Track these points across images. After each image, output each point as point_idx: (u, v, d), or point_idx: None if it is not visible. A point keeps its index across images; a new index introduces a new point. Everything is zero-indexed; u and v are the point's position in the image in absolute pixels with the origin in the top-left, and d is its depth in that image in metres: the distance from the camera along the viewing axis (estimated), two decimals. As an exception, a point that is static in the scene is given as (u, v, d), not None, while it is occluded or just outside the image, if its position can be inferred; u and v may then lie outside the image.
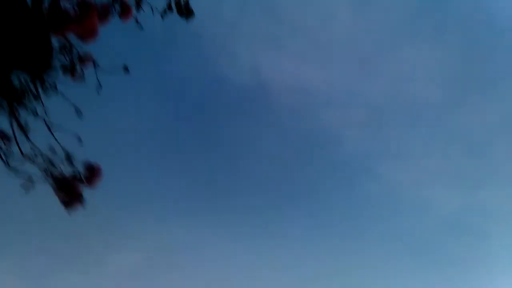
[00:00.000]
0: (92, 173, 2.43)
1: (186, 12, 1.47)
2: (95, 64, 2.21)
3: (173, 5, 1.50)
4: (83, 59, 2.15)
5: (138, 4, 1.68)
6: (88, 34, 1.62)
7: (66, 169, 2.47)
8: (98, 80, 2.21)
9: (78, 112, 2.20)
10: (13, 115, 1.96)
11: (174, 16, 1.52)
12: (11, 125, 2.09)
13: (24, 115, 2.12)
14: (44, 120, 2.15)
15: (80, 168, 2.47)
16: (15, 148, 2.24)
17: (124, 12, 1.75)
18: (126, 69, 2.08)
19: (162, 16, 1.54)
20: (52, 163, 2.35)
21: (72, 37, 1.87)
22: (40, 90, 2.15)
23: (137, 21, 1.77)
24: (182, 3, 1.48)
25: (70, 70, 2.11)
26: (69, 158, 2.40)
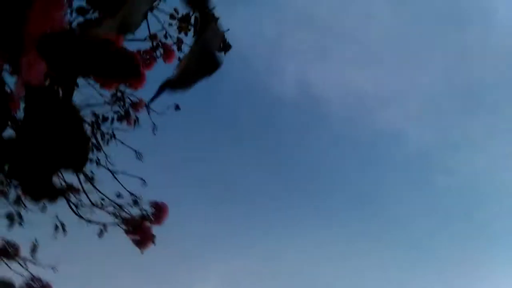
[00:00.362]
0: (159, 211, 2.50)
1: (223, 47, 1.50)
2: (147, 107, 2.30)
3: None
4: (136, 104, 2.24)
5: (179, 46, 1.74)
6: (136, 82, 1.68)
7: (134, 211, 2.56)
8: (153, 122, 2.30)
9: (139, 155, 2.28)
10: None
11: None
12: (78, 178, 2.21)
13: (88, 167, 2.23)
14: (108, 168, 2.25)
15: (147, 208, 2.56)
16: (84, 199, 2.36)
17: (167, 54, 1.82)
18: (177, 107, 2.16)
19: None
20: (120, 207, 2.45)
21: (122, 86, 1.96)
22: (100, 141, 2.27)
23: (179, 59, 1.83)
24: (219, 41, 1.51)
25: (125, 117, 2.21)
26: (135, 200, 2.49)
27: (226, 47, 1.45)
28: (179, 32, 1.66)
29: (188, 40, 1.64)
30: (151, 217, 2.54)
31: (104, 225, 2.38)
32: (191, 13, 1.53)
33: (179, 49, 1.70)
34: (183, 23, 1.56)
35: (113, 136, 2.29)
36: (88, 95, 2.01)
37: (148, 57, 1.84)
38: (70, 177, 2.17)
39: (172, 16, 1.73)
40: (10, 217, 2.05)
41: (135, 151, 2.27)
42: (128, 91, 2.06)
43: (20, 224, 2.26)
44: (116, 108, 2.24)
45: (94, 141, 2.23)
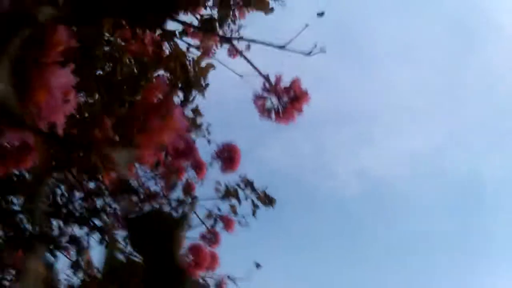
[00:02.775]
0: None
1: (268, 202, 1.55)
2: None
3: (256, 204, 1.60)
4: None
5: (234, 211, 1.80)
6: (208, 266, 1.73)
7: None
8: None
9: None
10: None
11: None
12: None
13: None
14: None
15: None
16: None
17: (228, 225, 1.87)
18: (258, 265, 2.15)
19: (254, 214, 1.64)
20: None
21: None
22: None
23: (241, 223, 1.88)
24: (263, 199, 1.56)
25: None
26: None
27: (271, 200, 1.50)
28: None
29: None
30: None
31: None
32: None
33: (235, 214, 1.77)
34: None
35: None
36: None
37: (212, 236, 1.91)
38: None
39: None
40: None
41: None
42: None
43: None
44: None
45: None
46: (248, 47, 1.45)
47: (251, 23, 1.04)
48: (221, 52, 1.18)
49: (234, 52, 1.49)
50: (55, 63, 0.40)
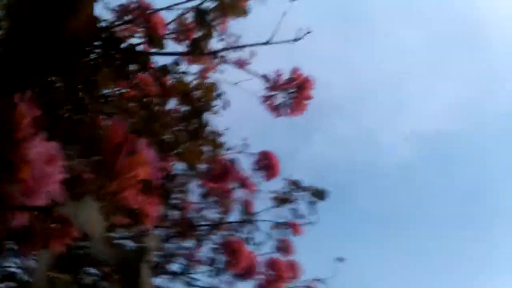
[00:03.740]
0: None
1: (321, 195, 1.52)
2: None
3: (312, 201, 1.59)
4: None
5: (296, 215, 1.79)
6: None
7: None
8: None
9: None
10: None
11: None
12: None
13: None
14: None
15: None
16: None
17: (295, 230, 1.86)
18: (341, 259, 2.10)
19: (313, 211, 1.62)
20: None
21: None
22: None
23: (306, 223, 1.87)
24: (315, 194, 1.54)
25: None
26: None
27: (322, 194, 1.48)
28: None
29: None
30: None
31: None
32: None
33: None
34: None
35: None
36: None
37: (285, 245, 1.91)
38: None
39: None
40: None
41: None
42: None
43: None
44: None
45: None
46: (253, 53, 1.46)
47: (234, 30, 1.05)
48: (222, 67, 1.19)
49: (241, 63, 1.50)
50: (28, 136, 0.42)
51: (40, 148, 0.44)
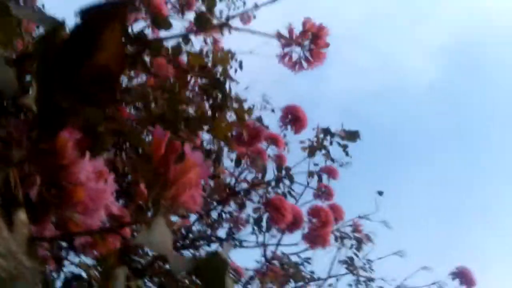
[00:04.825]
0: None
1: (352, 136, 1.51)
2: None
3: (343, 144, 1.58)
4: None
5: (330, 159, 1.80)
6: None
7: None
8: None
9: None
10: None
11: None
12: None
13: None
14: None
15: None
16: None
17: (332, 174, 1.88)
18: (380, 193, 2.12)
19: (347, 154, 1.63)
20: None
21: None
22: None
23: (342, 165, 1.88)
24: (346, 136, 1.54)
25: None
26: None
27: (354, 134, 1.46)
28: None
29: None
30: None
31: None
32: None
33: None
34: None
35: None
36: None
37: (324, 191, 1.93)
38: None
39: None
40: None
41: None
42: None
43: None
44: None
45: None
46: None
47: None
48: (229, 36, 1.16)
49: (246, 19, 1.46)
50: (74, 159, 0.43)
51: (88, 168, 0.44)
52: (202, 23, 0.90)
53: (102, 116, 0.40)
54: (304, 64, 0.95)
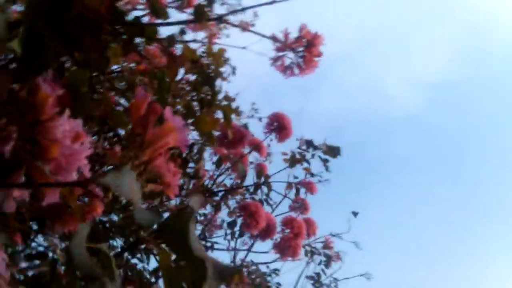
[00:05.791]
0: None
1: (334, 152, 1.52)
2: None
3: (325, 159, 1.59)
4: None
5: (309, 173, 1.81)
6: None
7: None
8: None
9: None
10: None
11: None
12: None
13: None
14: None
15: None
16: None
17: (310, 188, 1.89)
18: (355, 214, 2.14)
19: (327, 169, 1.64)
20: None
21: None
22: None
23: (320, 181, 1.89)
24: (328, 151, 1.55)
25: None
26: None
27: (336, 150, 1.48)
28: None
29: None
30: None
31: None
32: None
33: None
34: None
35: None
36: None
37: (300, 204, 1.93)
38: None
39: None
40: None
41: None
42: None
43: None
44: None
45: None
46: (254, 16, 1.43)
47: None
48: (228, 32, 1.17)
49: (245, 25, 1.47)
50: (53, 115, 0.42)
51: (66, 126, 0.44)
52: (200, 15, 0.90)
53: (87, 76, 0.40)
54: (296, 70, 0.96)
